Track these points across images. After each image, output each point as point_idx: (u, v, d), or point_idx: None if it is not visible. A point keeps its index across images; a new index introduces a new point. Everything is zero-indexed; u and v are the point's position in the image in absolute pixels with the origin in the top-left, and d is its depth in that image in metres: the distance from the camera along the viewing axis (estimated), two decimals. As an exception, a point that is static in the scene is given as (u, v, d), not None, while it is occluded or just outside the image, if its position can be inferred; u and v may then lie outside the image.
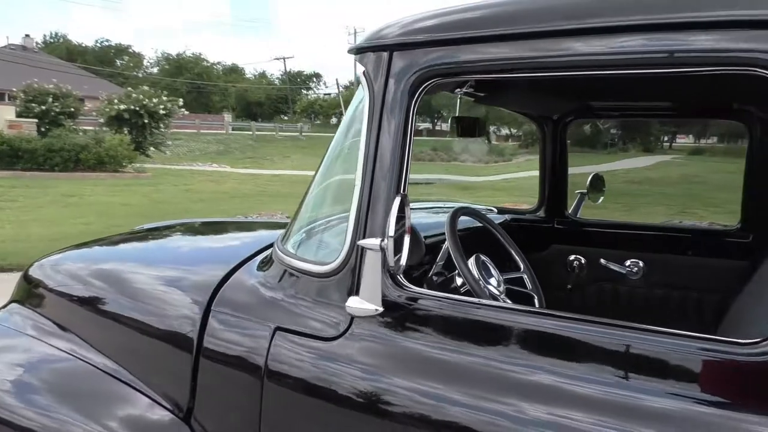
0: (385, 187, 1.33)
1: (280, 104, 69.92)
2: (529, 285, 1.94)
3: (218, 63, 73.15)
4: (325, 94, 73.78)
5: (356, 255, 1.35)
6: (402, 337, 1.30)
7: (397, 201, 1.23)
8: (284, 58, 70.12)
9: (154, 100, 20.61)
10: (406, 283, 1.33)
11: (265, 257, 1.78)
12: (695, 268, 2.29)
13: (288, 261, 1.57)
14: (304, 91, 76.18)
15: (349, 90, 66.17)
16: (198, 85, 60.07)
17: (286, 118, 63.66)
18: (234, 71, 74.46)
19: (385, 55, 1.37)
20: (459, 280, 1.59)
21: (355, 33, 62.44)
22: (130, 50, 71.77)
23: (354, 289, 1.35)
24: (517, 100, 2.36)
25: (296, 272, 1.53)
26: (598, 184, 2.60)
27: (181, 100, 23.35)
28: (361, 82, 1.43)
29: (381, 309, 1.28)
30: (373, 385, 1.28)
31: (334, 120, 69.00)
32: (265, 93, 69.25)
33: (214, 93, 64.66)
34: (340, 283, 1.39)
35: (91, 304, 1.92)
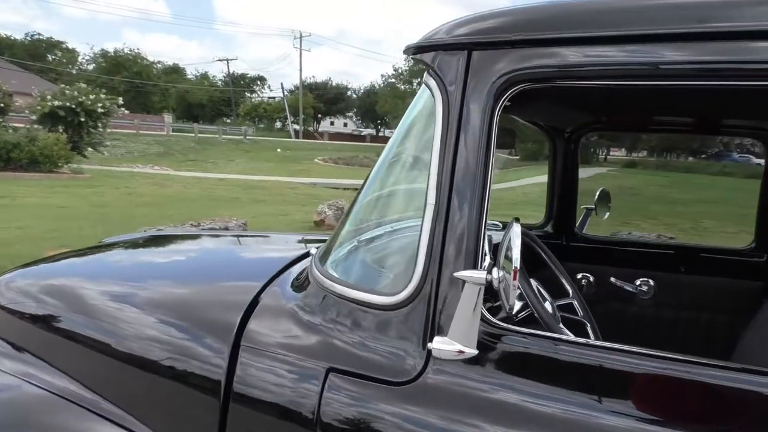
0: (466, 208, 1.14)
1: (222, 107, 68.68)
2: (580, 312, 1.74)
3: (158, 62, 71.19)
4: (269, 98, 73.00)
5: (432, 285, 1.16)
6: (496, 382, 1.10)
7: (517, 229, 1.03)
8: (227, 60, 68.95)
9: (91, 97, 19.69)
10: (491, 318, 1.14)
11: (298, 279, 1.54)
12: (708, 289, 2.21)
13: (332, 287, 1.34)
14: (248, 94, 75.09)
15: (294, 95, 66.04)
16: (136, 84, 58.17)
17: (228, 120, 62.57)
18: (174, 71, 72.63)
19: (462, 55, 1.19)
20: (514, 307, 1.37)
21: (301, 36, 62.15)
22: (63, 45, 68.78)
23: (429, 325, 1.15)
24: (542, 111, 2.22)
25: (345, 300, 1.30)
26: (605, 199, 2.54)
27: (120, 98, 22.39)
28: (428, 85, 1.25)
29: (476, 352, 1.07)
30: None
31: (278, 124, 68.39)
32: (207, 95, 67.83)
33: (154, 93, 62.84)
34: (410, 317, 1.18)
35: (79, 331, 1.61)
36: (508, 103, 1.76)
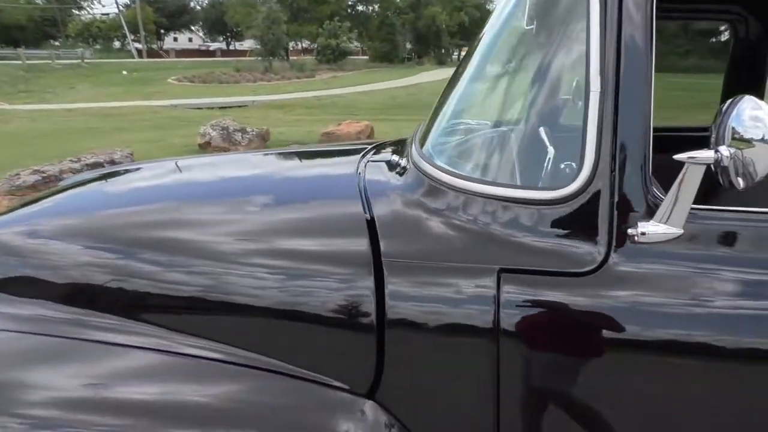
0: (638, 89, 1.08)
1: (48, 27, 60.76)
2: None
3: (-44, -22, 60.69)
4: (102, 15, 65.67)
5: (610, 172, 1.09)
6: (705, 260, 1.09)
7: (761, 109, 0.96)
8: (44, -28, 60.43)
9: None
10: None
11: (409, 183, 1.35)
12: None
13: (465, 185, 1.23)
14: (76, 12, 66.94)
15: (131, 9, 59.80)
16: (-65, 7, 49.59)
17: (58, 43, 55.72)
18: (-21, -11, 62.49)
19: None
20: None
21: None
22: None
23: (613, 212, 1.10)
24: None
25: (492, 199, 1.19)
26: None
27: (-74, 25, 19.15)
28: None
29: (681, 232, 1.05)
30: (671, 319, 1.08)
31: (117, 44, 62.16)
32: (26, 14, 59.46)
33: (-42, 16, 53.99)
34: (585, 207, 1.11)
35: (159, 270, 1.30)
36: None
